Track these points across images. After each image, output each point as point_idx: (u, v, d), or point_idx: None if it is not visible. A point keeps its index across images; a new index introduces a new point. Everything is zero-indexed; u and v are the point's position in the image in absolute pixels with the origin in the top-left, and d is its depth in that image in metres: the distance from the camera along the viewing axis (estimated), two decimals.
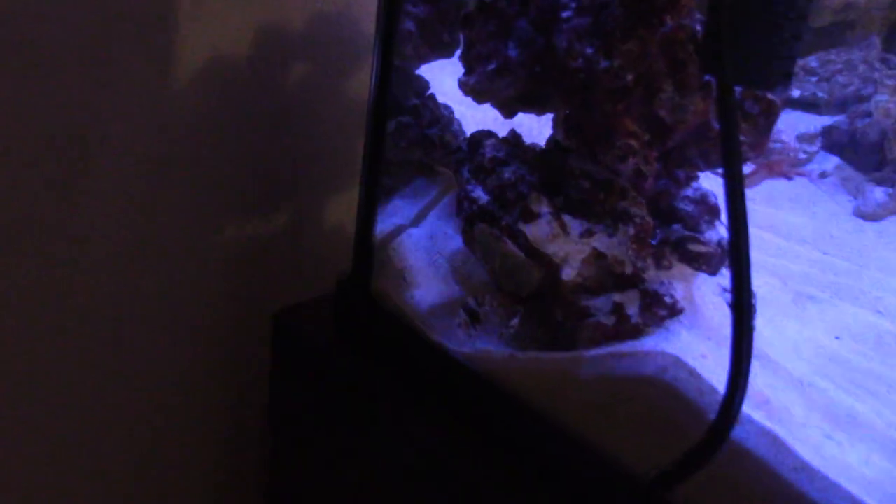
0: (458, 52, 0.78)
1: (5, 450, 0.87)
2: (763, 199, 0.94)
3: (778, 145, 0.95)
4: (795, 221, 0.93)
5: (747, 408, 0.62)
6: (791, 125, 1.03)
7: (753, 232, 0.65)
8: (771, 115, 0.67)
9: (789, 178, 0.92)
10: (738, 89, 0.68)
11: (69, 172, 0.81)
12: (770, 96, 0.69)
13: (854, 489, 0.60)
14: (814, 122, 1.04)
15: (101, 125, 0.81)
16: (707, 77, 0.67)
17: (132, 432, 0.97)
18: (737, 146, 0.55)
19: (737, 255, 0.56)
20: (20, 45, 0.74)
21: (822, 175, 1.00)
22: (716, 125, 0.69)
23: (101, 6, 0.78)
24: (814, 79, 1.05)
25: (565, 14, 0.66)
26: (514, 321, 0.74)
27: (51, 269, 0.83)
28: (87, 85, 0.79)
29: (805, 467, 0.62)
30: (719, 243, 0.73)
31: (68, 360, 0.88)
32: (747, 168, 0.87)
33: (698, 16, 0.65)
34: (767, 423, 0.63)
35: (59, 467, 0.92)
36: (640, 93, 0.66)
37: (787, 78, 0.62)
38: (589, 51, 0.65)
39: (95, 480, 0.96)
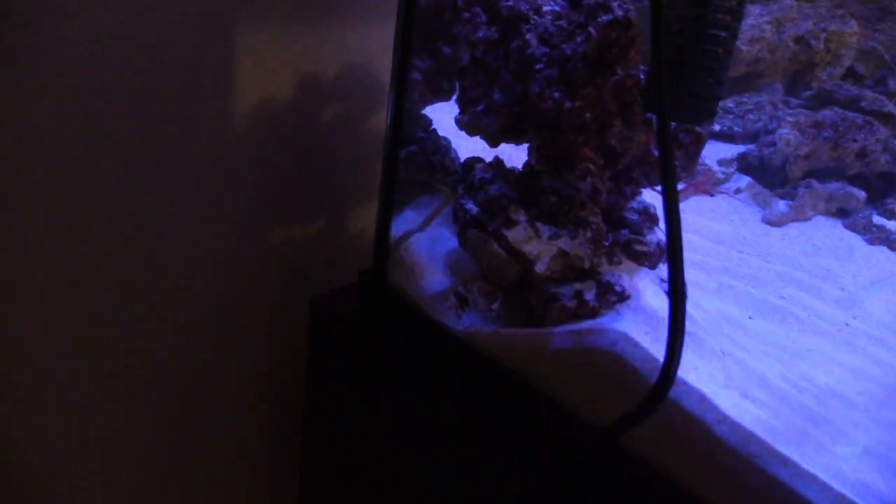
0: (454, 97, 0.77)
1: (48, 448, 0.83)
2: (692, 211, 0.93)
3: (702, 167, 0.94)
4: (717, 228, 0.92)
5: (681, 372, 0.61)
6: (713, 152, 1.01)
7: (685, 235, 0.64)
8: (699, 144, 0.66)
9: (711, 195, 0.91)
10: (673, 124, 0.67)
11: (153, 186, 0.80)
12: (698, 129, 0.67)
13: (766, 437, 0.59)
14: (731, 150, 1.03)
15: (177, 156, 0.80)
16: (649, 115, 0.66)
17: (180, 402, 0.94)
18: (672, 168, 0.54)
19: (672, 253, 0.56)
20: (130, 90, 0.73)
21: (738, 191, 0.99)
22: (655, 152, 0.68)
23: (182, 63, 0.77)
24: (731, 116, 1.03)
25: (538, 66, 0.65)
26: (496, 305, 0.73)
27: (128, 263, 0.82)
28: (170, 124, 0.78)
29: (727, 420, 0.61)
30: (658, 244, 0.72)
31: (101, 349, 0.84)
32: (679, 186, 0.86)
33: (642, 67, 0.63)
34: (697, 385, 0.62)
35: (103, 454, 0.88)
36: (597, 127, 0.65)
37: (711, 115, 0.62)
38: (556, 95, 0.64)
39: (135, 447, 0.92)
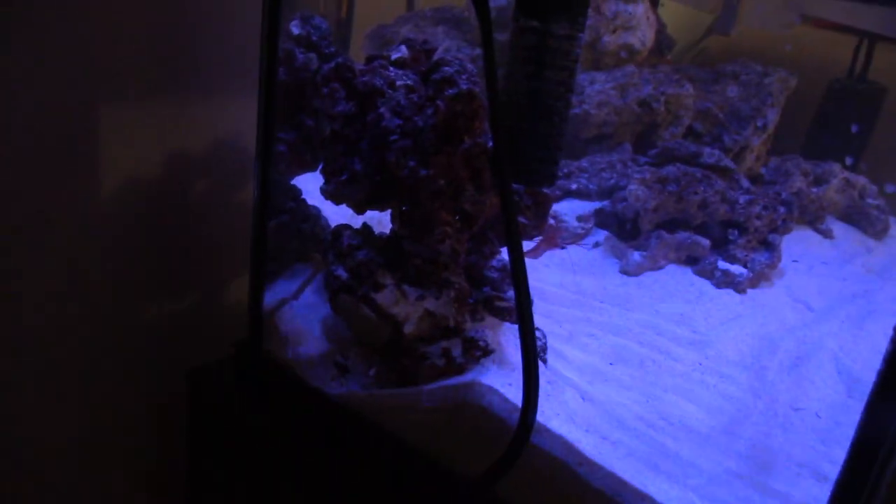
0: (319, 167, 0.79)
1: None
2: (554, 265, 0.98)
3: (560, 224, 0.99)
4: (579, 281, 0.97)
5: (544, 420, 0.64)
6: (573, 209, 1.07)
7: (547, 289, 0.67)
8: (545, 204, 0.70)
9: (563, 248, 0.96)
10: (520, 188, 0.72)
11: (13, 262, 0.78)
12: (544, 190, 0.72)
13: (624, 476, 0.63)
14: (588, 207, 1.09)
15: (41, 232, 0.79)
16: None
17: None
18: (516, 228, 0.58)
19: (521, 307, 0.59)
20: None
21: (596, 245, 1.04)
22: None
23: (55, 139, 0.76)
24: (586, 175, 1.10)
25: (393, 137, 0.68)
26: (372, 371, 0.75)
27: None
28: (33, 201, 0.77)
29: (587, 462, 0.64)
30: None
31: None
32: (529, 244, 0.91)
33: (488, 135, 0.68)
34: (559, 431, 0.65)
35: None
36: (451, 192, 0.68)
37: (552, 178, 0.66)
38: (412, 163, 0.67)
39: None
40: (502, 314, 0.75)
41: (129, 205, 0.86)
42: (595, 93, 1.08)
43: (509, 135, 0.62)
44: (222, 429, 0.88)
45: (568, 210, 1.05)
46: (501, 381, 0.68)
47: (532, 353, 0.58)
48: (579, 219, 1.03)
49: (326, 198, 0.77)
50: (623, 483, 0.63)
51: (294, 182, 0.89)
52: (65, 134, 0.78)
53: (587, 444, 0.66)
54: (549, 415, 0.66)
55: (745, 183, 1.09)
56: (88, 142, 0.80)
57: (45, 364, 0.84)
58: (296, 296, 0.86)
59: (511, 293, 0.75)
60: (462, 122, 0.65)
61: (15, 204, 0.76)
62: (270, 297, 0.84)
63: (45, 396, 0.85)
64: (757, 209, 1.05)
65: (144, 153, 0.85)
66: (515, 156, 0.63)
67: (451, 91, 0.65)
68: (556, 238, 0.95)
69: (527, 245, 0.78)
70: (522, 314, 0.57)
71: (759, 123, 1.20)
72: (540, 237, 0.76)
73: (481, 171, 0.67)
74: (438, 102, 0.65)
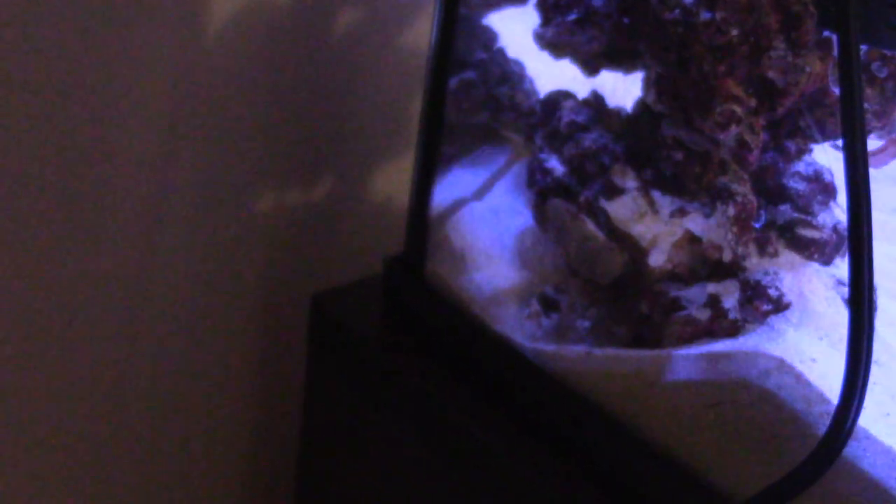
0: (532, 0, 0.78)
1: (17, 449, 0.91)
2: (892, 182, 0.93)
3: None
4: None
5: (864, 421, 0.62)
6: None
7: (878, 217, 0.65)
8: None
9: None
10: (864, 48, 0.68)
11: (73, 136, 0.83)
12: None
13: None
14: None
15: (106, 77, 0.83)
16: (826, 33, 0.66)
17: (154, 430, 1.00)
18: (860, 115, 0.55)
19: (857, 243, 0.56)
20: None
21: None
22: (835, 90, 0.68)
23: None
24: None
25: None
26: (591, 314, 0.75)
27: (59, 254, 0.86)
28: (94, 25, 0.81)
29: None
30: (835, 228, 0.73)
31: (79, 355, 0.92)
32: (872, 142, 0.86)
33: None
34: (887, 440, 0.63)
35: (75, 468, 0.96)
36: (746, 50, 0.66)
37: None
38: (688, 0, 0.65)
39: (114, 482, 1.00)
40: (809, 249, 0.72)
41: (240, 44, 0.88)
42: None
43: None
44: (354, 376, 0.91)
45: None
46: (800, 354, 0.66)
47: (867, 312, 0.56)
48: None
49: (542, 46, 0.76)
50: None
51: (488, 21, 0.88)
52: None
53: None
54: (874, 415, 0.64)
55: None
56: None
57: (133, 272, 0.90)
58: (479, 195, 0.87)
59: (825, 217, 0.72)
60: None
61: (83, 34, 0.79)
62: (440, 196, 0.85)
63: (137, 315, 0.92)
64: None
65: None
66: None
67: None
68: None
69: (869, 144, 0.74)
70: (858, 248, 0.55)
71: None
72: (889, 136, 0.72)
73: (801, 17, 0.64)
74: None
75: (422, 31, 0.98)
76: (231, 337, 1.02)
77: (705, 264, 0.71)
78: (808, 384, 0.65)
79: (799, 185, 0.74)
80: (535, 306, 0.76)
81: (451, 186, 0.86)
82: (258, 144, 0.94)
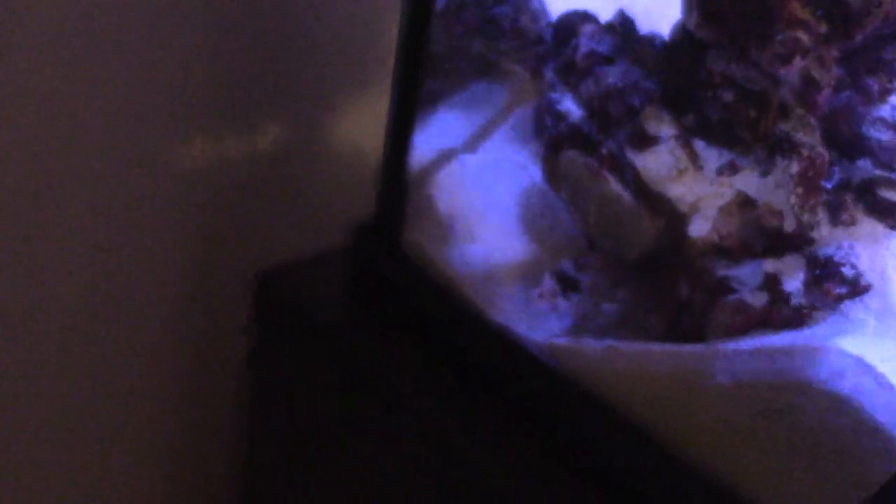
0: None
1: None
2: None
3: None
4: None
5: None
6: None
7: None
8: None
9: None
10: None
11: None
12: None
13: None
14: None
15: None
16: None
17: (92, 416, 1.02)
18: None
19: None
20: None
21: None
22: None
23: None
24: None
25: None
26: (614, 297, 0.74)
27: None
28: None
29: None
30: None
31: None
32: None
33: None
34: None
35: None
36: None
37: None
38: None
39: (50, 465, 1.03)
40: (894, 216, 0.71)
41: None
42: None
43: None
44: (311, 371, 0.92)
45: None
46: (883, 351, 0.66)
47: None
48: None
49: None
50: None
51: None
52: None
53: None
54: None
55: None
56: None
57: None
58: (471, 146, 0.86)
59: None
60: None
61: None
62: (423, 146, 0.84)
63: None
64: None
65: None
66: None
67: None
68: None
69: None
70: None
71: None
72: None
73: None
74: None
75: None
76: (154, 325, 1.02)
77: (761, 235, 0.70)
78: (891, 388, 0.64)
79: (882, 135, 0.73)
80: (550, 284, 0.75)
81: (435, 135, 0.86)
82: (182, 80, 0.93)
